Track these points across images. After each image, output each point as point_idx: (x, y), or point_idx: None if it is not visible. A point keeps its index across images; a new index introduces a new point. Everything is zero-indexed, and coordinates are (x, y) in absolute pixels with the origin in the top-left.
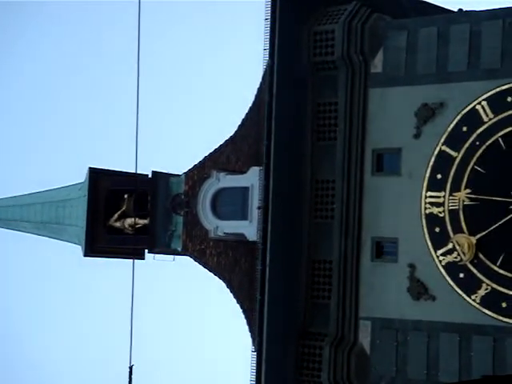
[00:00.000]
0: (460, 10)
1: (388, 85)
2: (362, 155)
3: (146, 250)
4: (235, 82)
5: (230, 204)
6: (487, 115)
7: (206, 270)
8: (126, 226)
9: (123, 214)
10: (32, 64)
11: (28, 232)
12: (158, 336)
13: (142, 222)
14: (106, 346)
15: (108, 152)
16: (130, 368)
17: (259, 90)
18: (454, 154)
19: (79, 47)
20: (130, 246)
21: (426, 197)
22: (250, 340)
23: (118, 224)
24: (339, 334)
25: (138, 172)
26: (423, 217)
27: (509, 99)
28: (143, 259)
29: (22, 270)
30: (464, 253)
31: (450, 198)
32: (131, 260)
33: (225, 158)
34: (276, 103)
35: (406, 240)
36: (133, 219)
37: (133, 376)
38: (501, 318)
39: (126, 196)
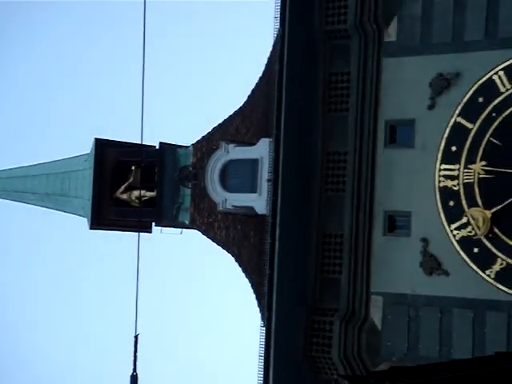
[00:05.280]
0: None
1: (402, 54)
2: (375, 127)
3: (153, 223)
4: (245, 51)
5: (239, 176)
6: (504, 86)
7: (214, 244)
8: (133, 198)
9: (130, 186)
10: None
11: (32, 204)
12: (164, 310)
13: (149, 194)
14: (111, 318)
15: (114, 123)
16: (136, 337)
17: (269, 59)
18: (469, 125)
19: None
20: (136, 219)
21: (440, 170)
22: (258, 315)
23: (124, 196)
24: (350, 310)
25: (145, 143)
26: (437, 190)
27: None
28: (150, 232)
29: (26, 242)
30: (479, 227)
31: (465, 170)
32: (138, 233)
33: (234, 129)
34: (286, 73)
35: (419, 214)
36: (139, 191)
37: (138, 345)
38: None
39: (132, 168)
